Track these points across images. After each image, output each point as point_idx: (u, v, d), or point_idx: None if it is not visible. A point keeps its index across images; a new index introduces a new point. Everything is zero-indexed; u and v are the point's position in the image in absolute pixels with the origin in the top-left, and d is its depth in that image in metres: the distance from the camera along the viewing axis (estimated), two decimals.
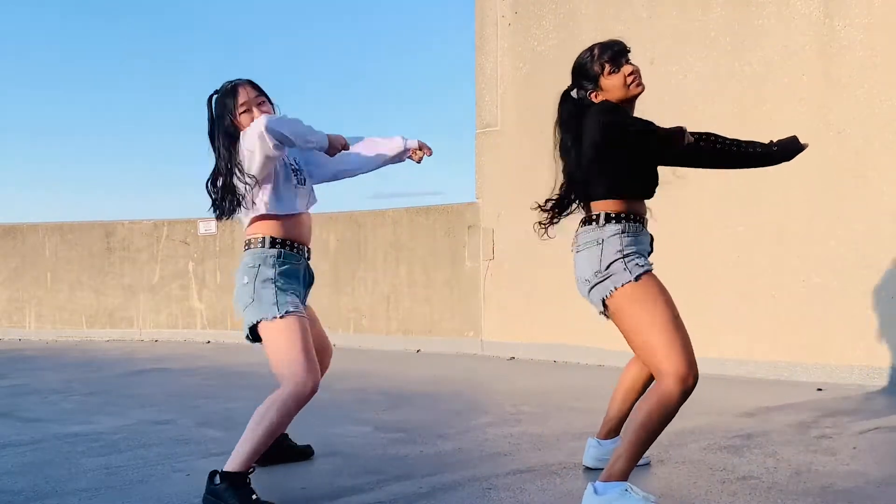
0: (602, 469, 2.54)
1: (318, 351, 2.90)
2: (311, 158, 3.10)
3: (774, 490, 2.71)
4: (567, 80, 2.75)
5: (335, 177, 3.18)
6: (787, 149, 2.72)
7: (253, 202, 2.81)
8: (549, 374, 5.68)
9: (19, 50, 18.35)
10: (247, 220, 2.89)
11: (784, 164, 5.40)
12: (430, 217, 7.38)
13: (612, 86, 2.60)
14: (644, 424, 2.40)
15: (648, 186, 2.67)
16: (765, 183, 5.25)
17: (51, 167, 19.41)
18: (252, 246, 2.84)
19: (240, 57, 18.33)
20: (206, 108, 2.89)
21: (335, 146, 2.78)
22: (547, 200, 2.80)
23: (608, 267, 2.51)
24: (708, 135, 2.67)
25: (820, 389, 4.74)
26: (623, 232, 2.54)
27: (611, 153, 2.53)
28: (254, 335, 2.78)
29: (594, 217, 2.58)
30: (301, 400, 2.64)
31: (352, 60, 19.40)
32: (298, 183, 2.94)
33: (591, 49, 2.66)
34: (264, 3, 19.39)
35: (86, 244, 9.11)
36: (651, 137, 2.47)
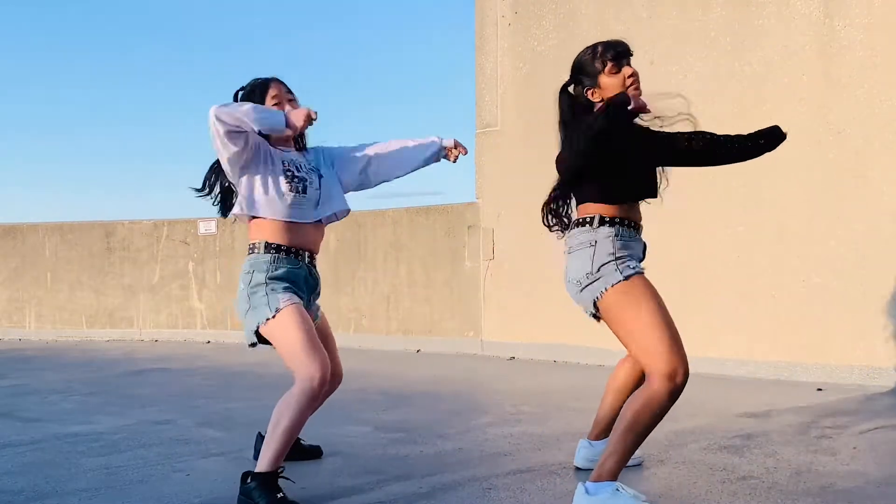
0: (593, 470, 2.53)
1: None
2: (335, 163, 3.04)
3: (774, 490, 2.71)
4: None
5: (367, 182, 3.11)
6: (770, 138, 2.73)
7: (243, 203, 2.80)
8: (549, 374, 5.68)
9: (19, 48, 18.36)
10: (247, 222, 2.88)
11: (784, 165, 5.42)
12: (430, 217, 7.38)
13: (610, 85, 2.59)
14: (633, 424, 2.40)
15: (642, 189, 2.65)
16: (765, 183, 5.25)
17: (51, 167, 19.43)
18: (250, 251, 2.84)
19: (240, 57, 18.34)
20: (234, 99, 2.88)
21: (294, 123, 2.68)
22: (549, 202, 2.77)
23: (599, 269, 2.50)
24: (698, 133, 2.69)
25: (820, 389, 4.74)
26: (616, 235, 2.54)
27: (602, 159, 2.52)
28: (260, 338, 2.77)
29: (588, 219, 2.57)
30: (311, 395, 2.59)
31: (352, 60, 19.41)
32: (295, 191, 2.81)
33: (594, 46, 2.65)
34: (265, 2, 19.40)
35: (86, 244, 9.11)
36: (601, 135, 2.42)
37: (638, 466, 3.05)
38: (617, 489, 2.39)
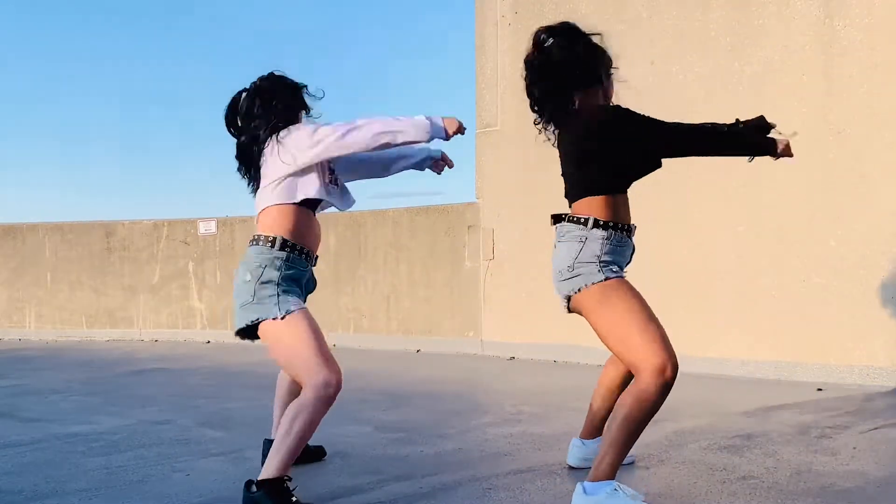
0: (587, 468, 2.53)
1: None
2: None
3: (774, 490, 2.71)
4: None
5: (355, 175, 3.15)
6: (758, 129, 2.75)
7: (287, 186, 2.78)
8: (549, 374, 5.68)
9: (19, 50, 18.36)
10: (263, 204, 2.81)
11: (784, 165, 5.41)
12: (430, 217, 7.38)
13: (601, 91, 2.72)
14: (626, 422, 2.40)
15: (630, 176, 2.66)
16: (765, 183, 5.25)
17: (51, 167, 19.43)
18: (261, 243, 2.76)
19: (241, 59, 18.34)
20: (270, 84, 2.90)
21: (451, 126, 2.79)
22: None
23: (581, 266, 2.52)
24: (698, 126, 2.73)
25: (820, 389, 4.74)
26: (608, 240, 2.54)
27: (598, 151, 2.54)
28: (251, 333, 2.73)
29: (583, 220, 2.57)
30: (327, 401, 2.58)
31: (352, 60, 19.41)
32: (331, 181, 2.90)
33: (604, 50, 2.78)
34: (265, 5, 19.40)
35: (86, 244, 9.11)
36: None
37: (633, 465, 3.05)
38: (615, 489, 2.39)
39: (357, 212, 7.88)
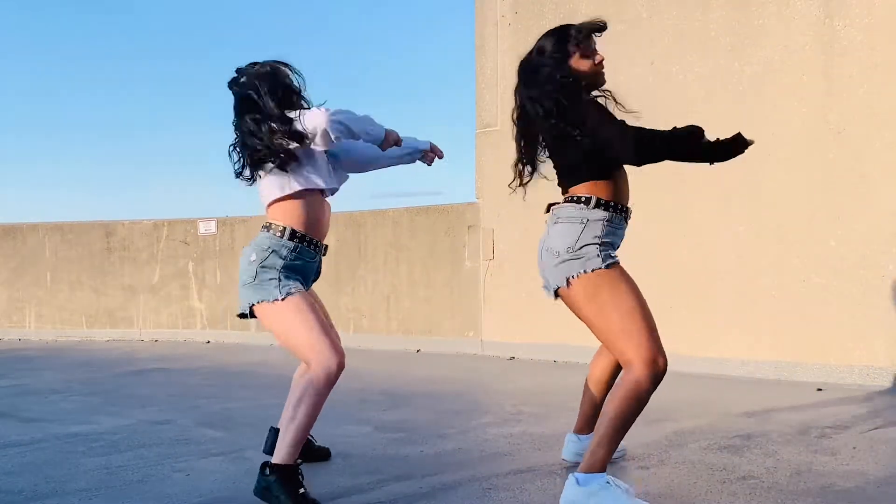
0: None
1: None
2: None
3: (774, 490, 2.71)
4: None
5: (343, 165, 3.13)
6: (732, 146, 2.70)
7: (290, 175, 2.75)
8: (549, 374, 5.68)
9: (20, 48, 18.36)
10: (270, 197, 2.80)
11: (784, 165, 5.41)
12: (430, 217, 7.38)
13: (581, 67, 2.67)
14: (617, 414, 2.41)
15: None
16: (765, 183, 5.25)
17: (51, 167, 19.43)
18: (271, 230, 2.78)
19: (241, 57, 18.31)
20: (262, 86, 2.82)
21: (389, 141, 2.81)
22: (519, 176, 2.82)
23: (582, 248, 2.49)
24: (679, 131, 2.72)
25: (820, 389, 4.74)
26: (609, 221, 2.54)
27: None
28: (250, 312, 2.77)
29: (584, 199, 2.55)
30: (329, 382, 2.62)
31: (352, 60, 19.42)
32: (331, 162, 2.93)
33: (571, 26, 2.77)
34: (265, 3, 19.41)
35: (86, 244, 9.11)
36: (679, 145, 2.44)
37: (633, 465, 3.05)
38: (607, 482, 2.40)
39: (357, 212, 7.89)
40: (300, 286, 2.76)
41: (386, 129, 2.79)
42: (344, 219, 7.88)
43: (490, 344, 6.83)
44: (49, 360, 7.14)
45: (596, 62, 2.63)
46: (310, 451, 3.19)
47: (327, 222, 2.94)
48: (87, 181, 19.63)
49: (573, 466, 2.98)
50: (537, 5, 6.46)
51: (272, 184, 2.79)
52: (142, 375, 6.04)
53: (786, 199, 5.18)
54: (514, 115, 2.79)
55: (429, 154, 3.16)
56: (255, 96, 2.76)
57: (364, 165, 3.17)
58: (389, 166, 3.20)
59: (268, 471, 2.62)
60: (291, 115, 2.71)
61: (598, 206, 2.54)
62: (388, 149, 2.87)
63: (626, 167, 2.64)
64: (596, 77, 2.66)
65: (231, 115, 2.86)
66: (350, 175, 3.13)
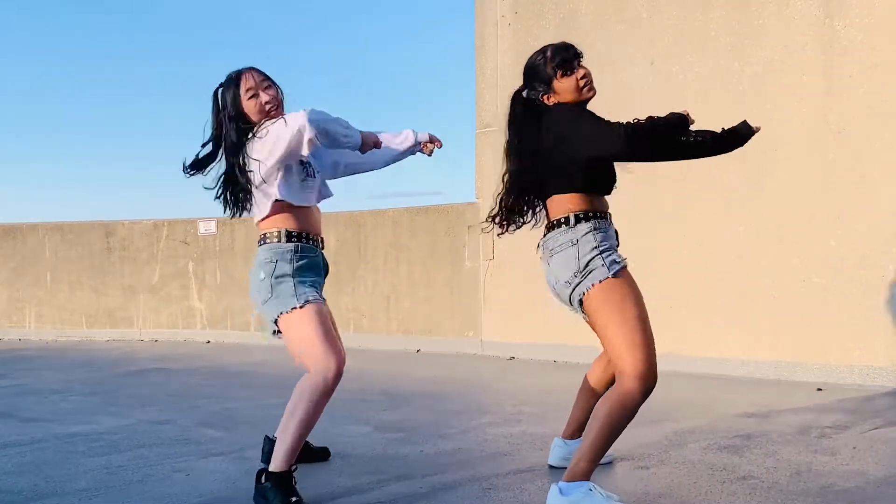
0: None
1: None
2: (315, 152, 3.07)
3: (774, 490, 2.71)
4: None
5: (339, 172, 3.14)
6: (738, 134, 2.72)
7: (264, 193, 2.76)
8: (549, 374, 5.68)
9: (21, 49, 18.36)
10: (260, 215, 2.82)
11: (784, 165, 5.41)
12: (430, 217, 7.38)
13: (564, 89, 2.62)
14: (605, 424, 2.41)
15: (611, 184, 2.66)
16: (765, 183, 5.25)
17: (51, 167, 19.43)
18: (268, 240, 2.78)
19: (241, 57, 18.33)
20: (211, 101, 2.85)
21: (367, 144, 2.74)
22: (496, 210, 2.82)
23: (587, 265, 2.51)
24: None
25: (820, 389, 4.74)
26: (595, 229, 2.54)
27: (586, 155, 2.53)
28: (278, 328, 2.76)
29: (564, 220, 2.57)
30: (325, 389, 2.61)
31: (352, 60, 19.42)
32: (308, 176, 2.88)
33: (543, 51, 2.67)
34: (266, 3, 19.40)
35: (86, 244, 9.11)
36: (670, 130, 2.47)
37: (633, 466, 3.05)
38: (590, 489, 2.40)
39: (357, 212, 7.89)
40: (316, 293, 2.75)
41: (362, 133, 2.74)
42: (344, 219, 7.88)
43: (490, 344, 6.83)
44: (49, 360, 7.14)
45: (579, 77, 2.62)
46: (308, 453, 3.19)
47: (318, 219, 2.93)
48: (87, 181, 19.63)
49: (557, 469, 2.99)
50: (537, 5, 6.46)
51: (257, 202, 2.79)
52: (142, 375, 6.04)
53: (786, 199, 5.18)
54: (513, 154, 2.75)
55: (427, 145, 3.14)
56: (223, 133, 2.78)
57: (365, 166, 3.16)
58: (391, 164, 3.18)
59: (263, 478, 2.61)
60: (261, 130, 2.70)
61: (578, 221, 2.55)
62: (368, 151, 2.79)
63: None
64: (580, 92, 2.64)
65: None
66: (354, 175, 3.13)
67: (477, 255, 6.93)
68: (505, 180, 2.78)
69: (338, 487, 2.85)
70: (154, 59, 18.82)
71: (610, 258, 2.52)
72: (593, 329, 2.59)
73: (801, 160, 5.15)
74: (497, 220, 2.85)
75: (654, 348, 2.45)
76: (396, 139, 3.05)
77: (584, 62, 2.67)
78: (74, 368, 6.44)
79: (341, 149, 2.80)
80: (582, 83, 2.62)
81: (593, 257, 2.51)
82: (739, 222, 5.38)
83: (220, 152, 2.83)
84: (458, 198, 7.27)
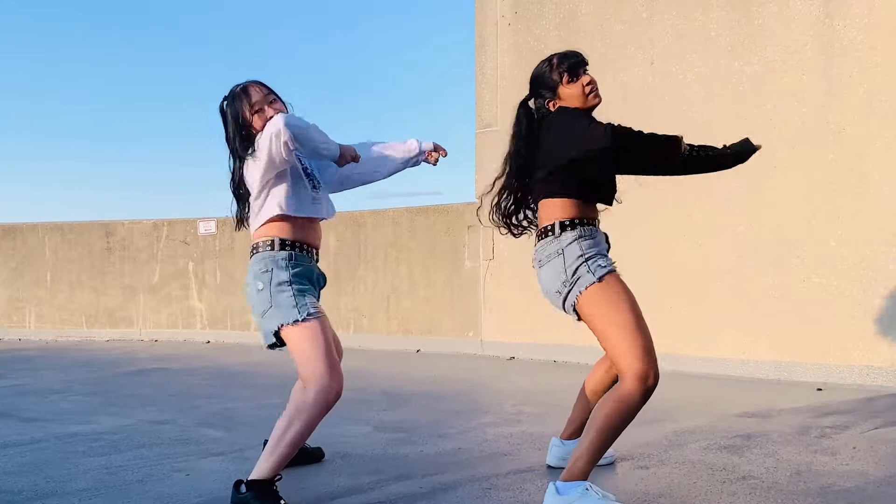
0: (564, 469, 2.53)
1: None
2: (320, 165, 3.05)
3: (774, 490, 2.71)
4: None
5: (346, 183, 3.12)
6: (740, 152, 2.71)
7: (262, 205, 2.76)
8: (549, 374, 5.68)
9: (21, 50, 18.37)
10: (256, 224, 2.83)
11: (784, 165, 5.41)
12: (430, 217, 7.38)
13: (570, 95, 2.64)
14: (605, 424, 2.41)
15: (608, 193, 2.67)
16: (765, 183, 5.25)
17: (51, 167, 19.43)
18: (260, 249, 2.77)
19: (241, 58, 18.35)
20: (219, 115, 2.85)
21: (346, 157, 2.71)
22: (497, 209, 2.83)
23: (574, 273, 2.52)
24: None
25: (820, 389, 4.74)
26: (580, 237, 2.55)
27: (586, 161, 2.53)
28: (278, 340, 2.72)
29: (549, 228, 2.58)
30: (327, 406, 2.59)
31: (352, 60, 19.42)
32: (313, 188, 2.85)
33: (549, 59, 2.70)
34: (265, 4, 19.40)
35: (86, 244, 9.11)
36: (657, 143, 2.48)
37: (632, 466, 3.05)
38: (587, 489, 2.39)
39: (357, 212, 7.89)
40: (316, 303, 2.73)
41: (341, 146, 2.70)
42: (344, 219, 7.88)
43: (490, 344, 6.83)
44: (49, 360, 7.14)
45: (584, 84, 2.63)
46: (303, 454, 3.18)
47: (318, 233, 2.90)
48: (87, 181, 19.63)
49: (551, 468, 3.00)
50: (537, 5, 6.46)
51: (256, 213, 2.80)
52: (142, 375, 6.04)
53: (786, 198, 5.18)
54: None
55: (431, 154, 3.15)
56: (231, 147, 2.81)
57: (371, 177, 3.13)
58: (396, 173, 3.18)
59: (242, 488, 2.56)
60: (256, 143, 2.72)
61: (563, 229, 2.56)
62: (345, 165, 2.75)
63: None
64: (585, 99, 2.64)
65: None
66: (358, 187, 3.13)
67: (477, 255, 6.94)
68: (500, 186, 2.79)
69: (338, 487, 2.85)
70: (155, 60, 18.83)
71: (595, 264, 2.52)
72: (594, 333, 2.60)
73: (801, 160, 5.15)
74: (494, 221, 2.86)
75: (653, 348, 2.45)
76: (401, 148, 3.05)
77: (587, 67, 2.68)
78: (74, 368, 6.44)
79: (320, 160, 2.77)
80: (587, 89, 2.63)
81: (579, 265, 2.52)
82: (739, 222, 5.38)
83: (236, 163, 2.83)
84: (458, 198, 7.29)
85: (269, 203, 2.76)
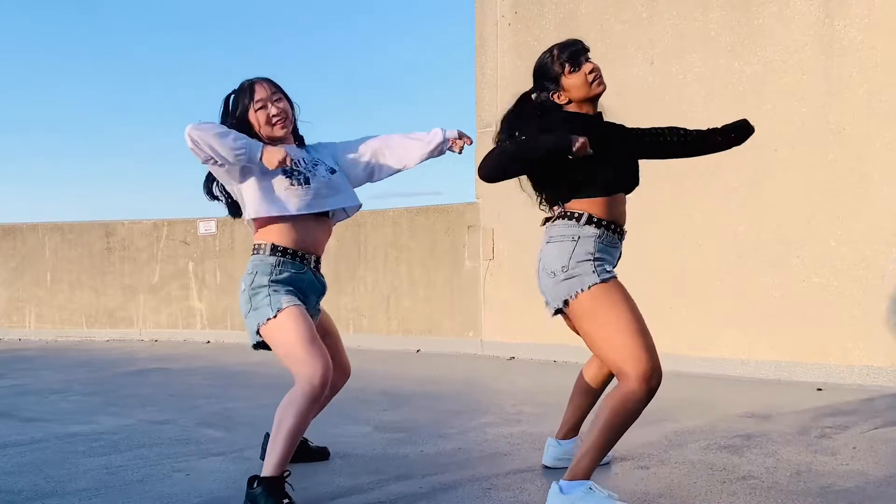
0: (561, 468, 2.53)
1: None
2: (338, 159, 3.02)
3: (774, 490, 2.71)
4: None
5: (373, 175, 3.10)
6: (738, 132, 2.73)
7: (245, 207, 2.77)
8: (549, 374, 5.68)
9: (20, 47, 18.36)
10: (253, 225, 2.83)
11: (784, 164, 5.42)
12: (430, 217, 7.38)
13: (573, 85, 2.62)
14: (608, 424, 2.41)
15: (620, 181, 2.62)
16: (765, 183, 5.25)
17: (50, 166, 19.43)
18: (254, 252, 2.79)
19: (241, 56, 18.35)
20: (221, 106, 2.85)
21: (271, 161, 2.60)
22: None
23: (576, 265, 2.49)
24: (672, 129, 2.75)
25: (820, 389, 4.74)
26: (600, 238, 2.53)
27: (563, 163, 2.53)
28: (264, 342, 2.73)
29: (576, 215, 2.55)
30: (313, 396, 2.56)
31: (352, 60, 19.42)
32: (297, 183, 2.76)
33: (550, 50, 2.67)
34: (266, 2, 19.40)
35: (86, 244, 9.11)
36: (538, 152, 2.48)
37: (632, 466, 3.05)
38: (590, 488, 2.39)
39: (357, 212, 7.87)
40: (293, 298, 2.70)
41: (266, 148, 2.63)
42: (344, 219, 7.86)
43: (490, 344, 6.83)
44: (49, 360, 7.14)
45: (587, 72, 2.62)
46: (306, 452, 3.18)
47: (319, 235, 2.87)
48: (87, 180, 19.63)
49: (547, 468, 2.99)
50: (537, 5, 6.46)
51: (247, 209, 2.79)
52: (142, 375, 6.04)
53: (786, 199, 5.18)
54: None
55: (456, 142, 3.14)
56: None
57: (397, 166, 3.10)
58: (423, 162, 3.15)
59: (255, 484, 2.58)
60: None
61: (589, 222, 2.53)
62: (276, 168, 2.63)
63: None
64: (589, 87, 2.63)
65: None
66: (383, 180, 3.13)
67: (477, 255, 6.94)
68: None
69: (338, 487, 2.85)
70: (155, 58, 18.82)
71: (602, 268, 2.50)
72: (577, 333, 2.58)
73: (801, 160, 5.15)
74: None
75: (654, 350, 2.45)
76: (425, 138, 3.05)
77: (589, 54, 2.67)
78: (74, 368, 6.44)
79: (238, 164, 2.67)
80: (591, 77, 2.60)
81: (584, 261, 2.50)
82: (739, 222, 5.38)
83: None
84: (458, 198, 7.28)
85: (249, 207, 2.76)
